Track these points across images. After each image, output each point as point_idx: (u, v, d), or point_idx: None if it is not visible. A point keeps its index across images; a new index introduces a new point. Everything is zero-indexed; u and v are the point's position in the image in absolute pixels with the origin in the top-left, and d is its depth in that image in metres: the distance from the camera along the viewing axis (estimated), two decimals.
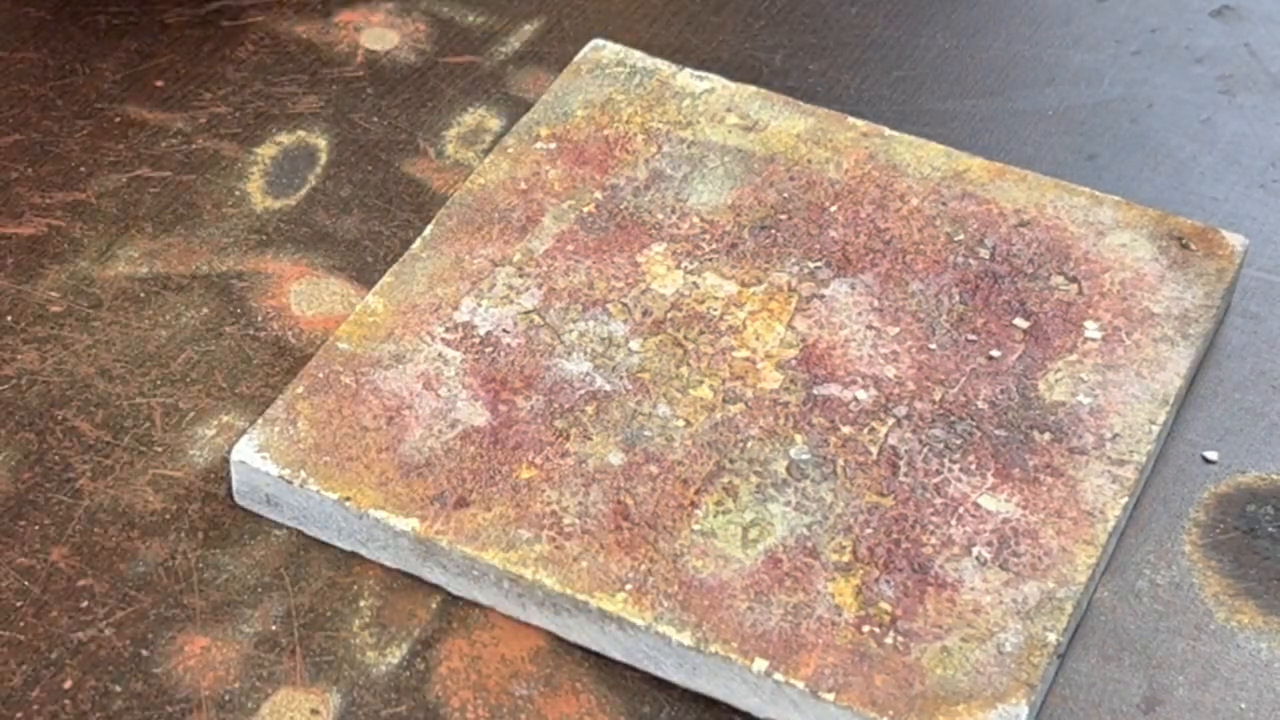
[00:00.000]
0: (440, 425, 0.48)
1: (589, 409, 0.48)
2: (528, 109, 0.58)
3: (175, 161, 0.57)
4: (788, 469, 0.47)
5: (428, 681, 0.45)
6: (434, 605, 0.46)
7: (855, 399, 0.49)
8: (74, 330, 0.52)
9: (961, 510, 0.46)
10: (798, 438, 0.48)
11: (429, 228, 0.53)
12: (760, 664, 0.43)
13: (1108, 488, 0.47)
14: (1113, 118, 0.60)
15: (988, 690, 0.43)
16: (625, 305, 0.51)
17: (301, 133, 0.58)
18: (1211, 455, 0.50)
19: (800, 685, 0.43)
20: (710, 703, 0.45)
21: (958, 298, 0.52)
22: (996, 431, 0.48)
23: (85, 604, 0.46)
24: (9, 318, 0.53)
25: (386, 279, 0.52)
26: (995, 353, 0.50)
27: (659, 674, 0.45)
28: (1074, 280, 0.52)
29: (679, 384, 0.49)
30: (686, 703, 0.45)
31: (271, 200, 0.56)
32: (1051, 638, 0.44)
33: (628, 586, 0.45)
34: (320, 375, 0.49)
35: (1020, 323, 0.51)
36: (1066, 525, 0.46)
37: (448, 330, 0.50)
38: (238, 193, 0.56)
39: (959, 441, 0.48)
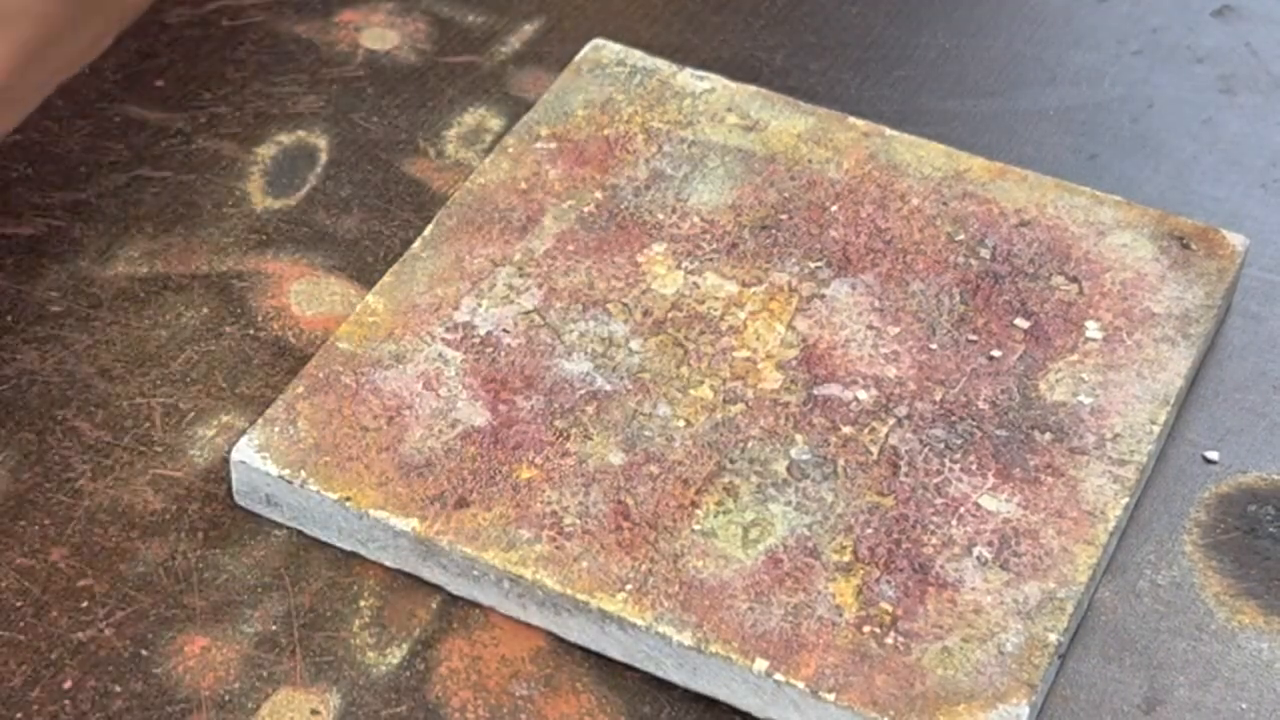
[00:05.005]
0: (440, 425, 0.48)
1: (589, 409, 0.48)
2: (528, 109, 0.58)
3: (175, 161, 0.57)
4: (788, 469, 0.47)
5: (428, 681, 0.45)
6: (434, 605, 0.46)
7: (856, 399, 0.49)
8: (74, 330, 0.52)
9: (962, 510, 0.46)
10: (798, 438, 0.48)
11: (429, 228, 0.53)
12: (761, 664, 0.43)
13: (1108, 488, 0.47)
14: (1113, 117, 0.60)
15: (988, 690, 0.43)
16: (625, 305, 0.51)
17: (301, 133, 0.58)
18: (1212, 455, 0.50)
19: (801, 685, 0.43)
20: (710, 703, 0.45)
21: (958, 298, 0.52)
22: (997, 431, 0.48)
23: (85, 604, 0.46)
24: (9, 318, 0.53)
25: (386, 279, 0.52)
26: (996, 353, 0.50)
27: (659, 674, 0.45)
28: (1075, 280, 0.52)
29: (679, 384, 0.49)
30: (686, 703, 0.45)
31: (271, 200, 0.56)
32: (1052, 638, 0.44)
33: (628, 586, 0.45)
34: (320, 375, 0.49)
35: (1021, 323, 0.51)
36: (1067, 525, 0.46)
37: (448, 330, 0.50)
38: (238, 193, 0.56)
39: (960, 441, 0.48)
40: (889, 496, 0.47)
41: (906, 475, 0.47)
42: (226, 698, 0.44)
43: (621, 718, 0.44)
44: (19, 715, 0.44)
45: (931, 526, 0.46)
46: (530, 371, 0.49)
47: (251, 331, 0.52)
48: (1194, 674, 0.45)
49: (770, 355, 0.50)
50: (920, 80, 0.61)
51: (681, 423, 0.48)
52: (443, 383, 0.49)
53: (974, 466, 0.47)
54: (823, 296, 0.51)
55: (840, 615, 0.44)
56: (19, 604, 0.46)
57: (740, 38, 0.62)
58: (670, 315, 0.51)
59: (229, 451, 0.49)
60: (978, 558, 0.45)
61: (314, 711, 0.44)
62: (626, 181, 0.55)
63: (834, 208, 0.54)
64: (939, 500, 0.47)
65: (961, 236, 0.53)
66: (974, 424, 0.48)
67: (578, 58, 0.59)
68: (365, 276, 0.54)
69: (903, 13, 0.64)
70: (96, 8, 0.41)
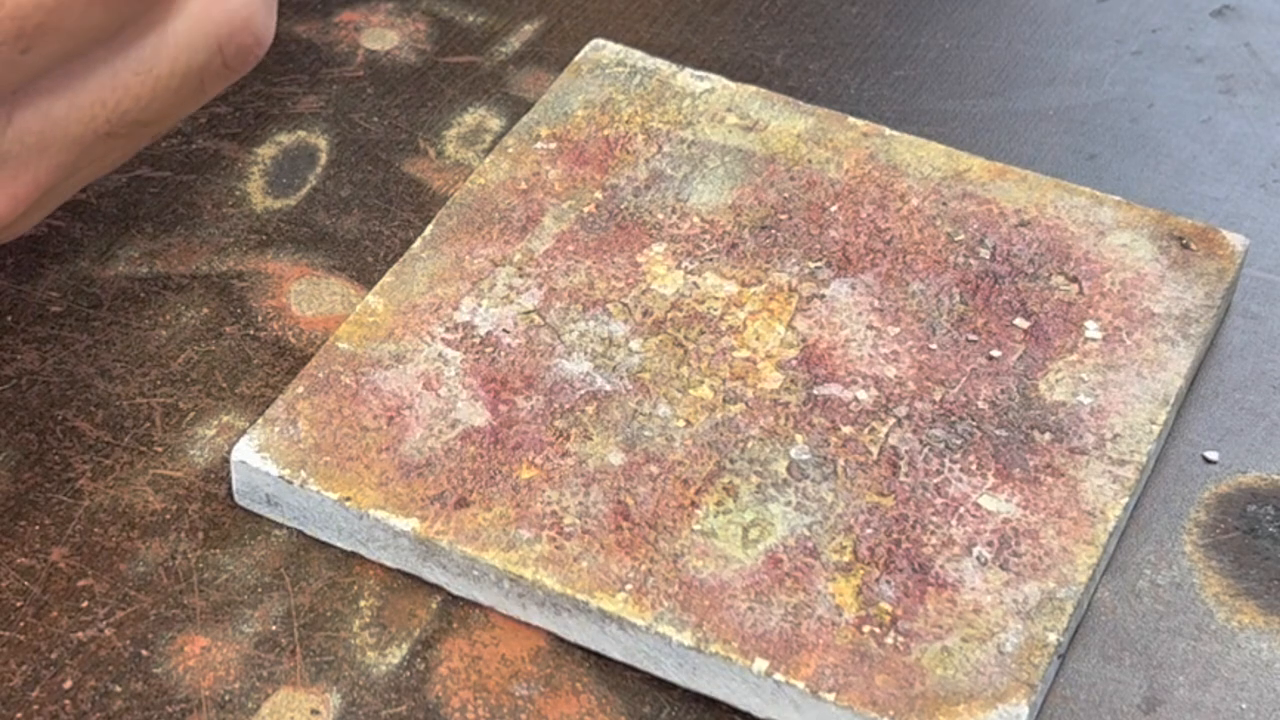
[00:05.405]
0: (440, 425, 0.48)
1: (589, 409, 0.48)
2: (528, 109, 0.58)
3: (175, 161, 0.57)
4: (788, 469, 0.47)
5: (428, 681, 0.45)
6: (434, 605, 0.46)
7: (856, 399, 0.49)
8: (74, 330, 0.52)
9: (962, 510, 0.46)
10: (798, 438, 0.48)
11: (429, 228, 0.53)
12: (760, 664, 0.43)
13: (1108, 488, 0.47)
14: (1113, 118, 0.60)
15: (988, 690, 0.43)
16: (625, 305, 0.51)
17: (301, 133, 0.58)
18: (1212, 455, 0.50)
19: (800, 685, 0.43)
20: (710, 703, 0.45)
21: (958, 298, 0.52)
22: (997, 431, 0.48)
23: (85, 604, 0.46)
24: (9, 318, 0.53)
25: (386, 279, 0.52)
26: (995, 353, 0.50)
27: (659, 674, 0.45)
28: (1074, 280, 0.52)
29: (679, 384, 0.49)
30: (686, 703, 0.45)
31: (271, 200, 0.56)
32: (1052, 638, 0.44)
33: (628, 586, 0.45)
34: (320, 375, 0.49)
35: (1020, 323, 0.51)
36: (1067, 525, 0.46)
37: (448, 330, 0.50)
38: (238, 193, 0.56)
39: (959, 441, 0.48)
40: (889, 496, 0.47)
41: (906, 475, 0.47)
42: (226, 698, 0.44)
43: (621, 718, 0.44)
44: (19, 715, 0.44)
45: (931, 526, 0.46)
46: (530, 371, 0.49)
47: (251, 331, 0.52)
48: (1194, 674, 0.45)
49: (770, 355, 0.50)
50: (920, 80, 0.61)
51: (681, 423, 0.48)
52: (443, 383, 0.49)
53: (974, 466, 0.47)
54: (823, 296, 0.51)
55: (840, 615, 0.44)
56: (19, 604, 0.46)
57: (740, 38, 0.62)
58: (670, 315, 0.51)
59: (229, 451, 0.49)
60: (977, 558, 0.45)
61: (314, 711, 0.44)
62: (626, 181, 0.55)
63: (834, 208, 0.54)
64: (939, 500, 0.47)
65: (961, 236, 0.53)
66: (974, 424, 0.48)
67: (578, 58, 0.59)
68: (365, 276, 0.54)
69: (903, 13, 0.64)
70: (134, 131, 0.43)
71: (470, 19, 0.63)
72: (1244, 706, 0.45)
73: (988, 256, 0.53)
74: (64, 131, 0.42)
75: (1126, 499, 0.47)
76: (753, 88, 0.58)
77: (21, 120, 0.41)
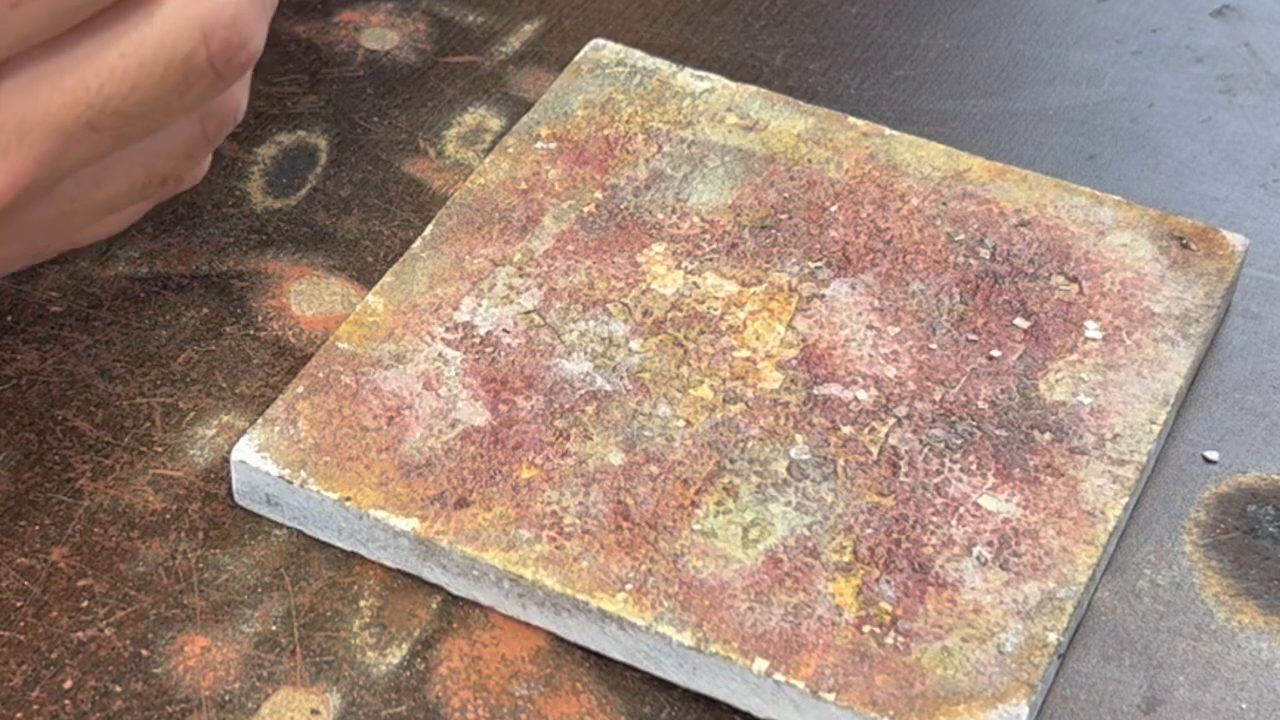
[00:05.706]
0: (440, 425, 0.48)
1: (589, 409, 0.48)
2: (528, 109, 0.58)
3: None
4: (788, 469, 0.47)
5: (428, 681, 0.45)
6: (434, 605, 0.46)
7: (856, 399, 0.49)
8: (74, 330, 0.52)
9: (962, 510, 0.46)
10: (798, 438, 0.48)
11: (429, 228, 0.53)
12: (760, 664, 0.43)
13: (1108, 488, 0.47)
14: (1113, 117, 0.60)
15: (988, 690, 0.43)
16: (625, 305, 0.51)
17: (301, 133, 0.58)
18: (1212, 455, 0.50)
19: (800, 685, 0.43)
20: (710, 703, 0.45)
21: (958, 297, 0.52)
22: (997, 431, 0.48)
23: (85, 604, 0.46)
24: (9, 318, 0.53)
25: (386, 279, 0.52)
26: (995, 352, 0.50)
27: (659, 674, 0.45)
28: (1074, 280, 0.52)
29: (679, 384, 0.49)
30: (686, 703, 0.45)
31: (271, 200, 0.56)
32: (1052, 638, 0.44)
33: (628, 586, 0.45)
34: (320, 375, 0.49)
35: (1020, 322, 0.51)
36: (1067, 525, 0.46)
37: (448, 330, 0.50)
38: (238, 192, 0.56)
39: (959, 441, 0.48)
40: (889, 496, 0.47)
41: (906, 475, 0.47)
42: (226, 698, 0.44)
43: (621, 718, 0.44)
44: (19, 715, 0.44)
45: (931, 526, 0.46)
46: (530, 371, 0.49)
47: (251, 331, 0.52)
48: (1194, 674, 0.45)
49: (770, 355, 0.50)
50: (920, 80, 0.61)
51: (681, 423, 0.48)
52: (443, 383, 0.49)
53: (974, 466, 0.47)
54: (822, 296, 0.51)
55: (840, 615, 0.44)
56: (19, 604, 0.46)
57: (740, 38, 0.62)
58: (670, 315, 0.51)
59: (229, 451, 0.49)
60: (977, 558, 0.45)
61: (314, 711, 0.44)
62: (626, 181, 0.55)
63: (834, 208, 0.54)
64: (939, 500, 0.47)
65: (961, 236, 0.53)
66: (974, 424, 0.48)
67: (578, 58, 0.59)
68: (365, 276, 0.54)
69: (903, 13, 0.64)
70: (116, 125, 0.42)
71: (470, 19, 0.63)
72: (1244, 706, 0.45)
73: (988, 256, 0.53)
74: (45, 116, 0.41)
75: (1126, 499, 0.47)
76: (753, 88, 0.58)
77: (3, 101, 0.41)
